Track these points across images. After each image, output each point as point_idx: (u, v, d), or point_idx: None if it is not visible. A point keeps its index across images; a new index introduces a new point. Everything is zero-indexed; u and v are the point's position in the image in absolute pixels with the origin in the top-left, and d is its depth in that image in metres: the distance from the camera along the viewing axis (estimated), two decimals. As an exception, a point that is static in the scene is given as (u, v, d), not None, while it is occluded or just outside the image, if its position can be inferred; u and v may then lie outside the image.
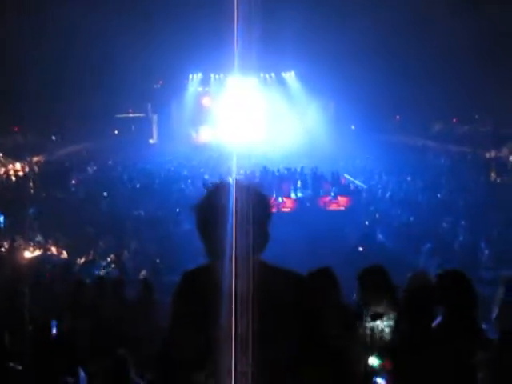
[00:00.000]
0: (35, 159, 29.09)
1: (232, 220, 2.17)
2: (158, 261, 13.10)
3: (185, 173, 25.41)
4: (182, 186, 22.81)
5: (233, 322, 2.16)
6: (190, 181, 23.84)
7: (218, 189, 2.34)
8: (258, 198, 2.31)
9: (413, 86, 25.64)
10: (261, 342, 2.17)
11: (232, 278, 2.17)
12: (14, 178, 25.59)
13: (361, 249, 15.73)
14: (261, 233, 2.29)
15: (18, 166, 27.65)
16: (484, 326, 3.80)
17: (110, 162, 28.90)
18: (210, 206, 2.30)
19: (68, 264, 13.43)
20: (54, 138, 31.94)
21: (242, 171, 22.28)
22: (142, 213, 19.20)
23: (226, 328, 2.18)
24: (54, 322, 6.61)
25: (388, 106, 29.11)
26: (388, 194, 21.07)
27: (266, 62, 28.26)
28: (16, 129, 30.61)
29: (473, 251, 14.41)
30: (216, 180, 2.39)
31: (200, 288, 2.32)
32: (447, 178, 22.39)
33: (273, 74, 33.50)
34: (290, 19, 23.40)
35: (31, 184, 24.47)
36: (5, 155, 28.36)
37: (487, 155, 25.62)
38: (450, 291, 3.69)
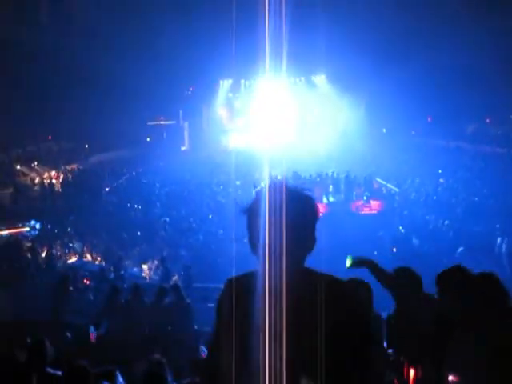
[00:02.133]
0: (69, 167, 29.58)
1: (277, 222, 2.17)
2: (189, 267, 13.15)
3: (216, 180, 25.51)
4: (214, 193, 22.91)
5: (266, 328, 2.15)
6: (221, 187, 23.95)
7: (266, 190, 2.32)
8: (304, 201, 2.30)
9: (444, 86, 25.35)
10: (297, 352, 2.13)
11: (271, 284, 2.16)
12: (48, 186, 26.01)
13: (394, 250, 15.62)
14: (306, 236, 2.27)
15: (52, 173, 28.13)
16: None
17: (141, 170, 29.19)
18: (258, 207, 2.27)
19: (103, 270, 13.61)
20: (87, 146, 32.42)
21: (273, 176, 22.21)
22: (174, 220, 19.33)
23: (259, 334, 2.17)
24: (91, 328, 6.73)
25: (419, 108, 28.78)
26: (422, 198, 20.83)
27: (296, 65, 28.28)
28: (49, 137, 31.17)
29: (509, 255, 14.17)
30: (264, 182, 2.39)
31: (242, 295, 2.29)
32: (482, 180, 22.05)
33: (303, 78, 33.44)
34: (319, 22, 23.37)
35: (66, 192, 24.90)
36: (40, 163, 28.90)
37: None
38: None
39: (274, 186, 2.27)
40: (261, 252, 2.19)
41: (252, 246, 2.27)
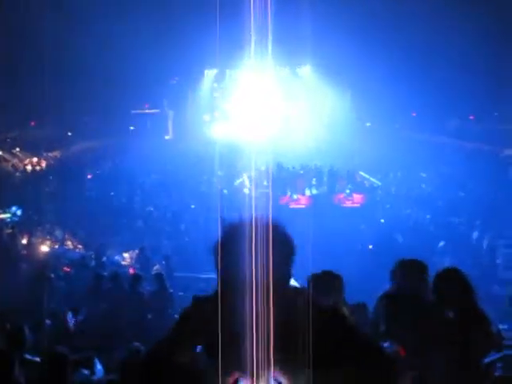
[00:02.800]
0: (52, 154, 29.29)
1: (251, 259, 2.11)
2: (170, 257, 13.16)
3: (199, 170, 25.46)
4: (197, 183, 22.88)
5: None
6: (205, 177, 23.93)
7: (235, 228, 2.25)
8: (279, 238, 2.22)
9: (429, 81, 25.46)
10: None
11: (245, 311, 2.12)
12: (30, 173, 25.81)
13: (370, 247, 15.72)
14: (282, 272, 2.21)
15: (34, 160, 27.87)
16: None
17: (124, 158, 29.03)
18: (227, 244, 2.21)
19: (84, 258, 13.56)
20: (69, 133, 32.12)
21: (257, 167, 22.30)
22: (157, 208, 19.28)
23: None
24: (69, 314, 6.71)
25: (404, 103, 28.89)
26: (403, 192, 20.98)
27: (281, 56, 28.20)
28: (33, 123, 30.84)
29: (490, 251, 14.34)
30: (234, 216, 2.32)
31: (207, 317, 2.25)
32: (464, 176, 22.26)
33: (288, 69, 33.35)
34: (305, 12, 23.31)
35: (48, 178, 24.71)
36: (22, 150, 28.61)
37: (506, 153, 25.37)
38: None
39: (245, 222, 2.20)
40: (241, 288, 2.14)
41: (227, 283, 2.21)
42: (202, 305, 2.37)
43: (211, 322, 2.20)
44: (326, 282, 4.11)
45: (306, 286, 3.52)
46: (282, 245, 2.23)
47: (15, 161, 27.55)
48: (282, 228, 2.28)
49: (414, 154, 26.17)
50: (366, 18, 24.97)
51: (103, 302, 7.41)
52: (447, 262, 13.49)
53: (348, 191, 21.18)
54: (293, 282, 2.33)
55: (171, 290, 8.23)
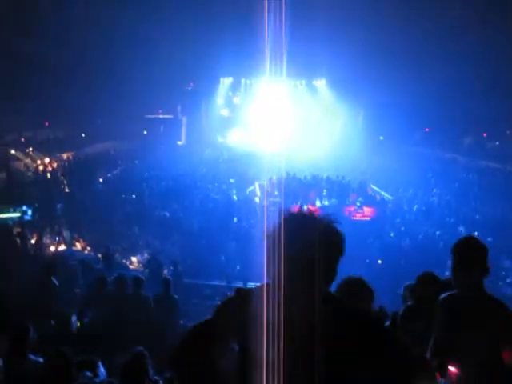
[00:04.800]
0: (64, 155, 29.46)
1: (300, 252, 2.11)
2: (178, 263, 13.13)
3: (210, 177, 25.50)
4: (208, 189, 22.89)
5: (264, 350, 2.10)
6: (216, 184, 23.94)
7: (294, 218, 2.23)
8: (332, 234, 2.29)
9: (444, 98, 25.43)
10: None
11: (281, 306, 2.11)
12: (42, 173, 25.92)
13: (380, 262, 15.62)
14: (328, 270, 2.21)
15: (47, 161, 28.01)
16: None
17: (136, 162, 29.15)
18: (282, 233, 2.18)
19: (91, 260, 13.57)
20: (83, 135, 32.32)
21: (269, 176, 22.32)
22: (167, 214, 19.30)
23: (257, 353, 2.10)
24: (74, 316, 6.70)
25: (417, 118, 28.86)
26: (415, 207, 20.89)
27: (297, 68, 28.29)
28: (47, 124, 31.04)
29: (497, 267, 14.22)
30: (292, 207, 2.31)
31: (248, 308, 2.21)
32: (475, 193, 22.14)
33: (303, 81, 33.45)
34: (322, 27, 23.37)
35: (60, 180, 24.82)
36: (35, 150, 28.78)
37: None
38: None
39: (304, 215, 2.22)
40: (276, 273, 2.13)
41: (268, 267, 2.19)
42: (246, 296, 2.32)
43: (252, 314, 2.18)
44: (356, 288, 4.08)
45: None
46: (334, 244, 2.28)
47: (28, 160, 27.73)
48: (334, 228, 2.35)
49: (426, 169, 26.10)
50: (381, 36, 25.02)
51: (107, 305, 7.39)
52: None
53: (359, 204, 21.10)
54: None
55: (176, 296, 8.19)
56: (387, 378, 2.15)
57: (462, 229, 17.58)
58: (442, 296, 3.76)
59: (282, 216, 2.21)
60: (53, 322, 6.80)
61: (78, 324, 6.81)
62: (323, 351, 2.06)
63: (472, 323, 3.46)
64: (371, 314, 2.66)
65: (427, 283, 4.39)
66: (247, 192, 23.44)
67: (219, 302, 2.36)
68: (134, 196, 21.74)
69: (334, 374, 2.09)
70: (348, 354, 2.10)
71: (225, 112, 34.85)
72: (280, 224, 2.19)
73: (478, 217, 19.61)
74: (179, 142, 34.92)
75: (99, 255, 15.41)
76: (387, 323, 4.39)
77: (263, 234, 2.24)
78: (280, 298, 2.12)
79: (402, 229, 18.41)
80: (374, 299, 4.16)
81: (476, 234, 16.60)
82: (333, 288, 3.93)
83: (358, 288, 4.05)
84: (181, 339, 2.43)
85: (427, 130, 32.29)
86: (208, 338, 2.36)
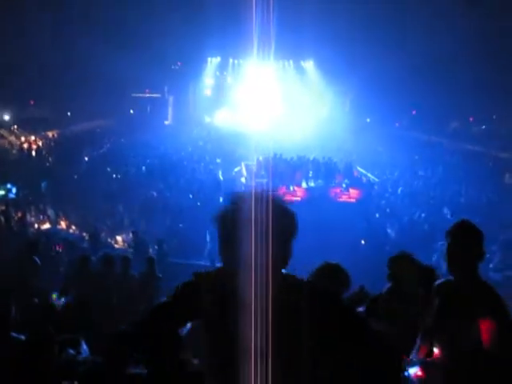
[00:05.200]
0: (50, 133, 29.21)
1: (252, 234, 2.09)
2: (163, 242, 13.12)
3: (197, 157, 25.42)
4: (194, 170, 22.82)
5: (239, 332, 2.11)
6: (202, 164, 23.88)
7: (239, 200, 2.22)
8: (282, 213, 2.20)
9: (431, 82, 25.46)
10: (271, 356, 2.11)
11: (245, 288, 2.10)
12: (27, 151, 25.71)
13: (363, 242, 15.72)
14: (282, 249, 2.19)
15: (32, 138, 27.78)
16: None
17: (122, 140, 28.97)
18: (230, 217, 2.18)
19: (75, 239, 13.53)
20: (69, 113, 32.02)
21: (255, 157, 22.32)
22: (154, 194, 19.24)
23: (229, 336, 2.14)
24: (55, 294, 6.67)
25: (405, 101, 28.91)
26: (400, 189, 21.00)
27: (285, 49, 28.14)
28: (32, 102, 30.71)
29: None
30: (238, 189, 2.30)
31: (208, 293, 2.25)
32: (460, 177, 22.27)
33: (291, 62, 33.32)
34: (311, 7, 23.26)
35: (44, 158, 24.63)
36: (20, 127, 28.52)
37: (503, 156, 25.36)
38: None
39: (261, 197, 2.17)
40: (241, 263, 2.13)
41: (222, 252, 2.23)
42: (202, 279, 2.34)
43: (208, 297, 2.22)
44: (331, 273, 4.10)
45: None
46: (284, 224, 2.20)
47: (12, 138, 27.46)
48: (285, 208, 2.25)
49: (412, 152, 26.20)
50: (370, 18, 24.98)
51: (91, 283, 7.38)
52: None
53: (344, 186, 21.16)
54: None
55: (160, 275, 8.20)
56: (330, 337, 2.23)
57: (446, 211, 17.73)
58: (437, 282, 3.77)
59: (233, 199, 2.20)
60: (36, 301, 6.77)
61: (61, 302, 6.80)
62: (277, 325, 2.10)
63: (466, 310, 3.46)
64: (325, 289, 2.70)
65: (401, 263, 4.39)
66: (233, 172, 23.41)
67: (178, 284, 2.38)
68: (118, 175, 21.65)
69: (287, 345, 2.14)
70: (298, 323, 2.15)
71: (212, 92, 34.66)
72: (232, 207, 2.18)
73: (462, 200, 19.78)
74: (166, 122, 34.74)
75: (84, 234, 15.38)
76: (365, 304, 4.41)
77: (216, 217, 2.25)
78: (235, 283, 2.13)
79: (388, 210, 18.54)
80: (350, 283, 4.19)
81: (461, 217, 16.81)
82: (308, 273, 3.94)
83: (333, 273, 4.08)
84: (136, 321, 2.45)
85: (414, 112, 32.37)
86: (165, 317, 2.38)
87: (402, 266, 4.31)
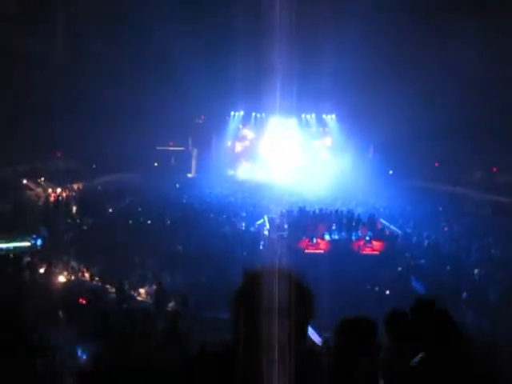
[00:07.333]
0: (75, 185, 29.62)
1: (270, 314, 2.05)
2: (187, 297, 13.03)
3: (220, 209, 25.48)
4: (218, 222, 22.87)
5: None
6: (224, 216, 23.92)
7: (257, 277, 2.19)
8: (301, 295, 2.13)
9: (455, 133, 25.47)
10: None
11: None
12: (53, 203, 26.03)
13: (388, 292, 15.53)
14: (298, 331, 2.11)
15: (58, 191, 28.18)
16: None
17: (148, 193, 29.24)
18: (248, 294, 2.16)
19: (100, 291, 13.53)
20: (94, 166, 32.56)
21: (278, 210, 22.33)
22: (180, 247, 19.29)
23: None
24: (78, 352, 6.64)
25: (427, 153, 28.90)
26: (424, 242, 20.80)
27: (307, 103, 28.53)
28: (58, 154, 31.30)
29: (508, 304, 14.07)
30: (257, 265, 2.25)
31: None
32: (485, 229, 22.00)
33: (314, 115, 33.70)
34: (334, 63, 23.64)
35: (70, 209, 24.91)
36: (46, 180, 28.99)
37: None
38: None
39: (267, 273, 2.13)
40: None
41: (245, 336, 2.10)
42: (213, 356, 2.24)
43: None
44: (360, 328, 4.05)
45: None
46: (304, 306, 2.13)
47: (39, 190, 27.92)
48: (305, 289, 2.17)
49: (436, 204, 26.01)
50: (392, 71, 25.23)
51: (112, 339, 7.32)
52: (470, 315, 13.34)
53: (368, 238, 21.00)
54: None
55: (184, 330, 8.13)
56: None
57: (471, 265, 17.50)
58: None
59: (249, 275, 2.15)
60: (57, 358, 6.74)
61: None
62: None
63: None
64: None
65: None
66: (256, 225, 23.40)
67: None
68: (142, 228, 21.78)
69: None
70: None
71: (235, 145, 35.10)
72: (249, 286, 2.14)
73: (489, 253, 19.46)
74: (189, 175, 35.10)
75: (108, 286, 15.39)
76: None
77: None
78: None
79: (412, 263, 18.35)
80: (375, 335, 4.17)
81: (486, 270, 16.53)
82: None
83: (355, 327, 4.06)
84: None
85: (437, 164, 32.28)
86: None
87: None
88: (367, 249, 20.59)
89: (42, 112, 24.51)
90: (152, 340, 7.55)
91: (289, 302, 2.02)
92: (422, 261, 18.67)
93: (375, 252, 20.39)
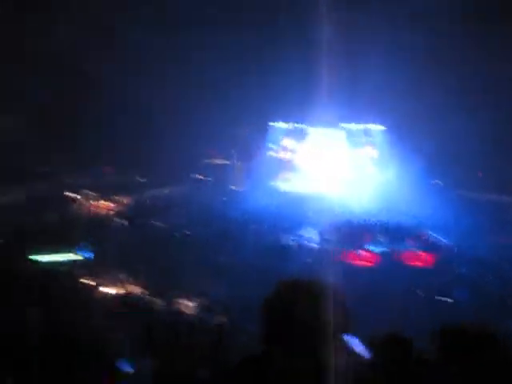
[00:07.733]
0: (124, 200, 30.11)
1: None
2: (231, 308, 13.06)
3: (261, 219, 25.51)
4: (263, 234, 22.90)
5: None
6: (269, 228, 23.92)
7: (290, 290, 2.18)
8: (336, 307, 2.12)
9: (496, 141, 24.96)
10: None
11: None
12: (103, 217, 26.53)
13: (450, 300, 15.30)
14: (336, 343, 2.10)
15: (107, 204, 28.68)
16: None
17: (192, 206, 29.50)
18: (280, 304, 2.15)
19: (145, 303, 13.66)
20: (144, 180, 33.07)
21: (324, 222, 22.23)
22: (222, 258, 19.37)
23: None
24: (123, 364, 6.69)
25: (471, 164, 28.31)
26: (478, 254, 20.33)
27: (351, 113, 28.38)
28: (107, 169, 31.91)
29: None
30: (292, 276, 2.23)
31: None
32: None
33: (359, 126, 33.41)
34: (380, 72, 23.44)
35: (120, 223, 25.35)
36: (98, 194, 29.56)
37: None
38: None
39: (302, 285, 2.14)
40: None
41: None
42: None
43: None
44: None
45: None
46: (338, 317, 2.11)
47: (87, 203, 28.49)
48: (341, 302, 2.17)
49: (484, 215, 25.44)
50: (442, 82, 24.89)
51: (157, 351, 7.37)
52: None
53: (415, 249, 20.65)
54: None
55: (229, 343, 8.13)
56: None
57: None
58: None
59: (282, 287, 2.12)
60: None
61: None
62: None
63: None
64: None
65: None
66: (301, 237, 23.30)
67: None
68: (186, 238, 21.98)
69: None
70: None
71: (279, 156, 35.05)
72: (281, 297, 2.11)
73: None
74: (233, 187, 35.20)
75: (153, 298, 15.52)
76: None
77: None
78: None
79: (462, 272, 17.98)
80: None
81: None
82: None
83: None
84: None
85: (480, 174, 31.50)
86: None
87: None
88: (415, 260, 20.23)
89: (93, 124, 25.13)
90: (196, 352, 7.57)
91: (319, 313, 2.00)
92: (471, 272, 18.26)
93: (423, 264, 20.00)
